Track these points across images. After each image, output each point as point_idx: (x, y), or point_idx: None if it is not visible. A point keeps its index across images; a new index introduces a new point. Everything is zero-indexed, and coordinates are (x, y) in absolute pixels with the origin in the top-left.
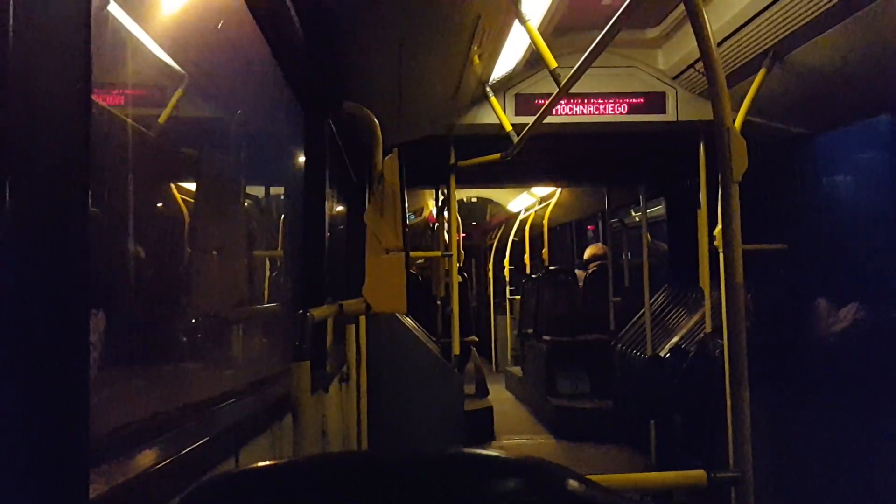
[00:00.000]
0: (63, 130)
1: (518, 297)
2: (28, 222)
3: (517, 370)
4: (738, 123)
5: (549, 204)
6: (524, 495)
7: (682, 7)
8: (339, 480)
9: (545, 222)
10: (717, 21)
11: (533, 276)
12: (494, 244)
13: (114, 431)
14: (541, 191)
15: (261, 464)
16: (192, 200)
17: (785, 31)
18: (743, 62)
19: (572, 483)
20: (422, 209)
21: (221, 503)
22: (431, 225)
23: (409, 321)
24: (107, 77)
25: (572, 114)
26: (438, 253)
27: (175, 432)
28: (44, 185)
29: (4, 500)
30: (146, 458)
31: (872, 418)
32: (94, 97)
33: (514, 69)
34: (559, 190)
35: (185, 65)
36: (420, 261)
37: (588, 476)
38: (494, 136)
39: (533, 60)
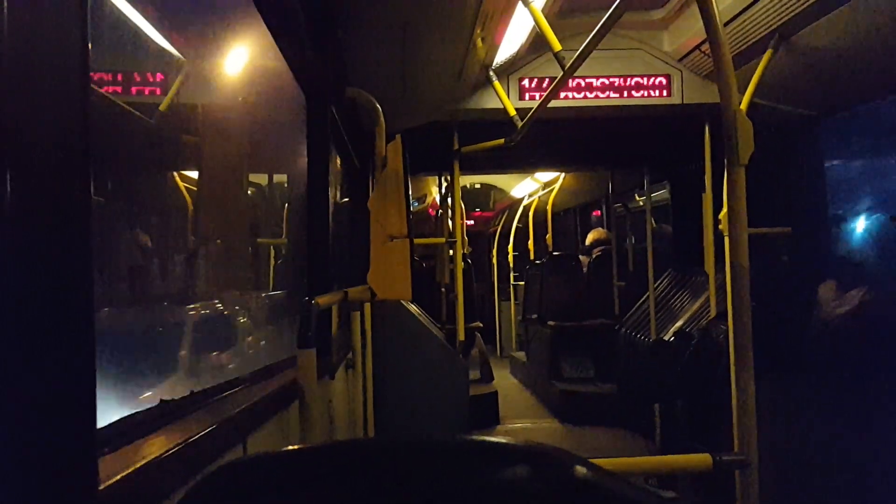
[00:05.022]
0: (61, 119)
1: (522, 282)
2: (30, 214)
3: (522, 355)
4: (744, 106)
5: (552, 189)
6: (529, 481)
7: None
8: (345, 467)
9: (549, 208)
10: (723, 2)
11: (537, 261)
12: (498, 230)
13: (127, 416)
14: (544, 176)
15: (269, 451)
16: (195, 188)
17: (791, 11)
18: (749, 44)
19: (578, 468)
20: (425, 196)
21: (231, 491)
22: (435, 213)
23: (414, 308)
24: (105, 64)
25: (577, 97)
26: (443, 240)
27: (183, 419)
28: (43, 177)
29: (14, 489)
30: (154, 445)
31: (877, 402)
32: (92, 85)
33: (517, 53)
34: (562, 175)
35: (185, 51)
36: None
37: (593, 460)
38: (498, 122)
39: (537, 44)
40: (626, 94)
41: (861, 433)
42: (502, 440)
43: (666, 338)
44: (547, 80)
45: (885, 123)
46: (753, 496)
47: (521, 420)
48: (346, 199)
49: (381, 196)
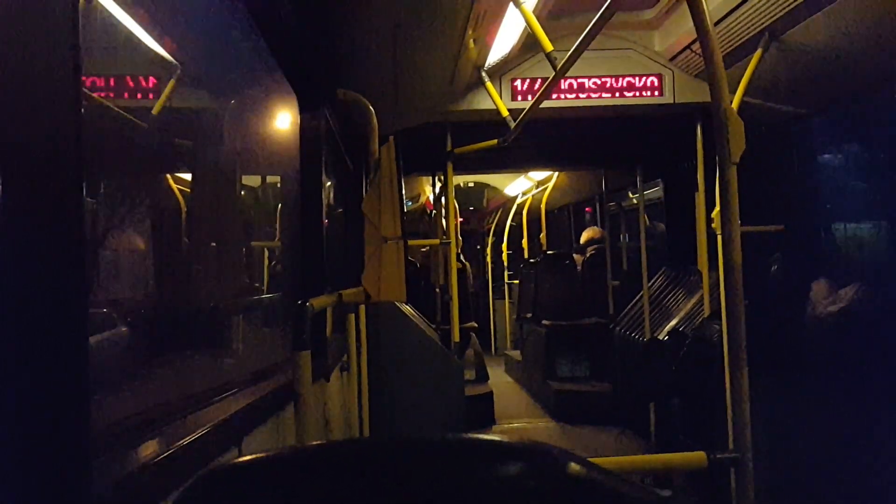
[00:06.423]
0: (53, 122)
1: (517, 281)
2: (24, 216)
3: (516, 354)
4: (735, 104)
5: (546, 188)
6: (525, 479)
7: None
8: (341, 467)
9: (542, 206)
10: (713, 1)
11: (531, 260)
12: (492, 229)
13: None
14: (538, 174)
15: (263, 453)
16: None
17: (781, 10)
18: (739, 43)
19: (573, 466)
20: (419, 195)
21: (224, 492)
22: (429, 211)
23: (408, 309)
24: (95, 67)
25: (569, 98)
26: (437, 241)
27: (178, 422)
28: (37, 180)
29: (8, 491)
30: (149, 447)
31: (871, 400)
32: (84, 87)
33: (509, 53)
34: (556, 174)
35: (177, 55)
36: (424, 248)
37: (588, 459)
38: (491, 122)
39: (528, 44)
40: (617, 93)
41: (855, 431)
42: (497, 438)
43: (660, 336)
44: (539, 80)
45: None
46: (748, 494)
47: (516, 420)
48: (340, 201)
49: (374, 198)
